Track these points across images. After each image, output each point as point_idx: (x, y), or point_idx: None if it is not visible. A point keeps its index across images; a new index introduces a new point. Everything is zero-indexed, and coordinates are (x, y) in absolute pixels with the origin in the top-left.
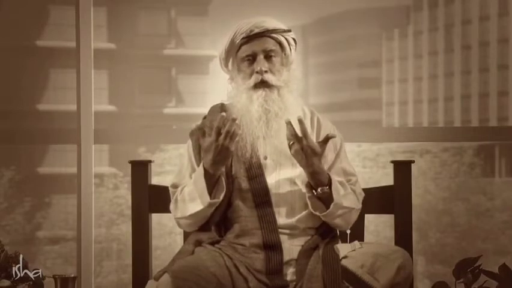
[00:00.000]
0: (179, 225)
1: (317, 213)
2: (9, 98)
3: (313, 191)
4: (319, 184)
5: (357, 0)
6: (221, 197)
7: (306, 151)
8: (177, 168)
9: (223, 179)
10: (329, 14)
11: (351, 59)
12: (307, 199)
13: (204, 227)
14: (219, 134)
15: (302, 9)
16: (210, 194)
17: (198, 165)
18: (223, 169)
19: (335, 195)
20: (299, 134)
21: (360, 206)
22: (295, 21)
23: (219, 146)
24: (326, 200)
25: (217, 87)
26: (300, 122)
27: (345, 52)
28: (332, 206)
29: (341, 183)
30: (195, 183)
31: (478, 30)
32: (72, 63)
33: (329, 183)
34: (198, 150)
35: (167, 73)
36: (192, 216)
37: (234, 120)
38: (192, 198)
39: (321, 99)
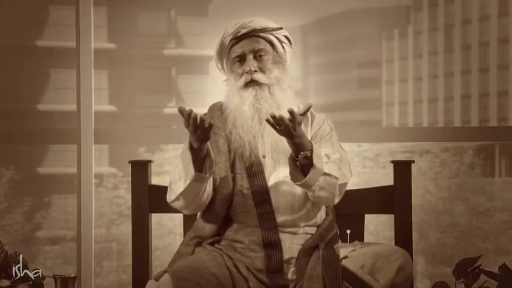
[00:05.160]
0: (177, 208)
1: (297, 183)
2: (9, 98)
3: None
4: (301, 150)
5: (357, 0)
6: (209, 173)
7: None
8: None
9: (211, 155)
10: (329, 14)
11: (351, 59)
12: (289, 169)
13: (207, 216)
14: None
15: (302, 9)
16: (199, 170)
17: None
18: (211, 147)
19: (315, 161)
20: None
21: (345, 180)
22: (295, 21)
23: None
24: (308, 168)
25: (217, 87)
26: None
27: (345, 52)
28: (311, 171)
29: (326, 155)
30: (181, 157)
31: (478, 30)
32: (72, 63)
33: (311, 150)
34: None
35: (167, 73)
36: (182, 195)
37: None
38: (181, 176)
39: (321, 99)
